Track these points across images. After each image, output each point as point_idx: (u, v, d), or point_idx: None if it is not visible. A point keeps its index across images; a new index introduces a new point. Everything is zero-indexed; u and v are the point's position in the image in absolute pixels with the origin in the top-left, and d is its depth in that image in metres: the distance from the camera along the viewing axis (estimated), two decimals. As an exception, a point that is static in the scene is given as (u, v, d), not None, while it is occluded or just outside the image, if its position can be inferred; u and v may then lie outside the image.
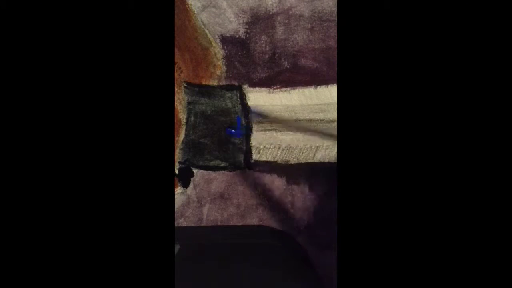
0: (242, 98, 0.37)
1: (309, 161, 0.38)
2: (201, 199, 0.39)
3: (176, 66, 0.37)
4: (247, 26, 0.36)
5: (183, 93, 0.38)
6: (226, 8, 0.36)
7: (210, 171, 0.39)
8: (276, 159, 0.38)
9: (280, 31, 0.36)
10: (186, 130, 0.38)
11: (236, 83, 0.37)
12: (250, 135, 0.38)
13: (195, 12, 0.36)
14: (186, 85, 0.37)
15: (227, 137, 0.38)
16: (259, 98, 0.37)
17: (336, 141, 0.38)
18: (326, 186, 0.39)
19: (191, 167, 0.39)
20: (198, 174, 0.39)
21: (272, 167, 0.38)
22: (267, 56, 0.36)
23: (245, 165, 0.38)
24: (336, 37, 0.36)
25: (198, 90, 0.37)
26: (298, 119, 0.37)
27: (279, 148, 0.38)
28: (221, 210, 0.39)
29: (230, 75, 0.37)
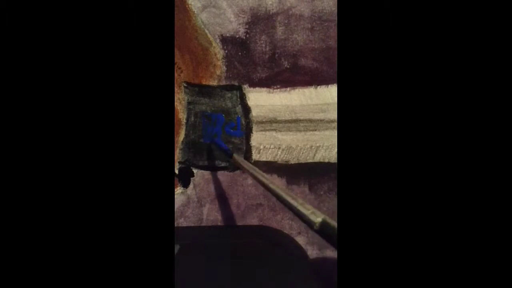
0: (242, 98, 0.37)
1: (309, 161, 0.38)
2: (201, 199, 0.39)
3: (176, 66, 0.37)
4: (247, 26, 0.36)
5: (183, 93, 0.38)
6: (226, 8, 0.35)
7: (210, 171, 0.39)
8: (276, 159, 0.38)
9: (280, 31, 0.36)
10: (186, 130, 0.38)
11: (236, 83, 0.37)
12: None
13: (195, 12, 0.36)
14: (186, 85, 0.37)
15: (226, 137, 0.38)
16: (259, 98, 0.37)
17: (336, 141, 0.38)
18: (326, 186, 0.39)
19: (191, 167, 0.39)
20: (198, 174, 0.39)
21: (272, 167, 0.38)
22: (267, 56, 0.36)
23: None
24: (336, 37, 0.36)
25: (198, 90, 0.37)
26: (298, 119, 0.37)
27: (279, 148, 0.38)
28: (221, 210, 0.39)
29: (230, 75, 0.37)
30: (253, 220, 0.39)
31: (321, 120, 0.37)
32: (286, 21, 0.36)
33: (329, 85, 0.37)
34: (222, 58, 0.37)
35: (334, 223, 0.18)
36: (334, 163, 0.38)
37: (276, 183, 0.26)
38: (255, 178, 0.28)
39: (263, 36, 0.36)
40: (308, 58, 0.36)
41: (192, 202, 0.39)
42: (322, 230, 0.18)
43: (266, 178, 0.26)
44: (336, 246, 0.17)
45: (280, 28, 0.36)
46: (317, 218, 0.18)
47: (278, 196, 0.23)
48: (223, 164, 0.39)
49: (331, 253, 0.40)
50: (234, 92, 0.37)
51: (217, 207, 0.39)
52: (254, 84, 0.37)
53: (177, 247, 0.33)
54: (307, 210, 0.19)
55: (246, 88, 0.37)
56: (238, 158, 0.35)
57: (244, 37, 0.36)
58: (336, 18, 0.35)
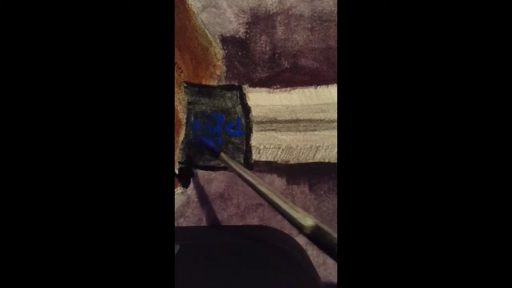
0: (242, 98, 0.37)
1: (309, 161, 0.38)
2: (201, 199, 0.39)
3: (176, 66, 0.37)
4: (247, 26, 0.36)
5: (183, 93, 0.38)
6: (226, 8, 0.35)
7: (210, 171, 0.39)
8: (276, 159, 0.38)
9: (280, 31, 0.36)
10: (186, 130, 0.38)
11: (236, 83, 0.37)
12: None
13: (195, 12, 0.36)
14: (186, 85, 0.37)
15: (226, 137, 0.38)
16: (259, 98, 0.37)
17: (336, 141, 0.38)
18: (326, 186, 0.39)
19: (191, 167, 0.39)
20: (198, 174, 0.39)
21: (272, 167, 0.38)
22: (267, 56, 0.36)
23: (245, 165, 0.38)
24: (336, 37, 0.36)
25: (198, 90, 0.37)
26: (298, 119, 0.37)
27: (279, 148, 0.38)
28: (221, 210, 0.39)
29: (230, 75, 0.37)
30: (253, 220, 0.39)
31: (321, 120, 0.38)
32: (286, 21, 0.36)
33: (329, 85, 0.37)
34: (222, 58, 0.37)
35: (327, 228, 0.16)
36: (334, 163, 0.38)
37: (265, 183, 0.24)
38: (243, 178, 0.26)
39: (263, 36, 0.36)
40: (308, 58, 0.36)
41: (192, 202, 0.39)
42: (314, 235, 0.17)
43: (255, 178, 0.24)
44: (329, 253, 0.16)
45: (280, 28, 0.36)
46: (309, 221, 0.17)
47: (267, 197, 0.21)
48: (223, 164, 0.39)
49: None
50: (234, 92, 0.37)
51: (217, 207, 0.39)
52: (254, 84, 0.37)
53: (177, 247, 0.32)
54: (298, 213, 0.18)
55: (246, 88, 0.37)
56: (226, 157, 0.33)
57: (244, 37, 0.36)
58: (336, 18, 0.35)
